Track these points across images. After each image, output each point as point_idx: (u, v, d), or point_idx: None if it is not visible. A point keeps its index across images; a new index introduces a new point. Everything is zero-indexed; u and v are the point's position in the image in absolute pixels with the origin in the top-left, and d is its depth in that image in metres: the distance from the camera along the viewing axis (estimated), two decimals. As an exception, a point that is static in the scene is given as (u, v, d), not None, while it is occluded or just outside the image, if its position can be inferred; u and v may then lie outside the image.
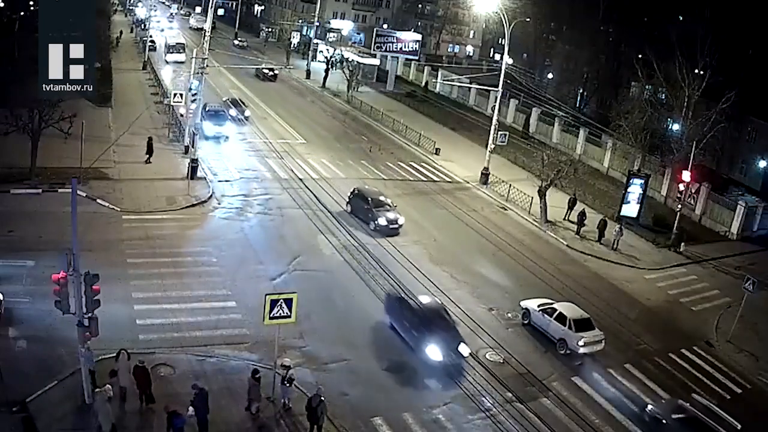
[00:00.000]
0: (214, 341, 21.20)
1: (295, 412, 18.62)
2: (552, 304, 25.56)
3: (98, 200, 30.48)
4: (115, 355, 18.20)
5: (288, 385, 18.49)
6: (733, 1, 51.12)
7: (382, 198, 33.22)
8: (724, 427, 20.00)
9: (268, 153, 41.70)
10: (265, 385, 18.71)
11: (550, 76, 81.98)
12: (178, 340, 20.91)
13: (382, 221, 31.60)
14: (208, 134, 41.69)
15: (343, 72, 66.16)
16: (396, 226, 31.99)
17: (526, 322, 25.77)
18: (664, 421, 20.60)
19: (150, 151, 36.94)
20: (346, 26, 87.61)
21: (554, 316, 24.71)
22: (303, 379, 19.57)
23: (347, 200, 33.81)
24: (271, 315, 18.55)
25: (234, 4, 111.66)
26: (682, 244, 35.71)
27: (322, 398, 17.84)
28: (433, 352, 21.66)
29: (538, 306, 25.68)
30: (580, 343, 23.72)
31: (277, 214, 32.81)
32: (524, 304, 26.21)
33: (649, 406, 21.41)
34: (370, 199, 32.73)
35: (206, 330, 21.63)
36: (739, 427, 20.34)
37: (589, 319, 24.69)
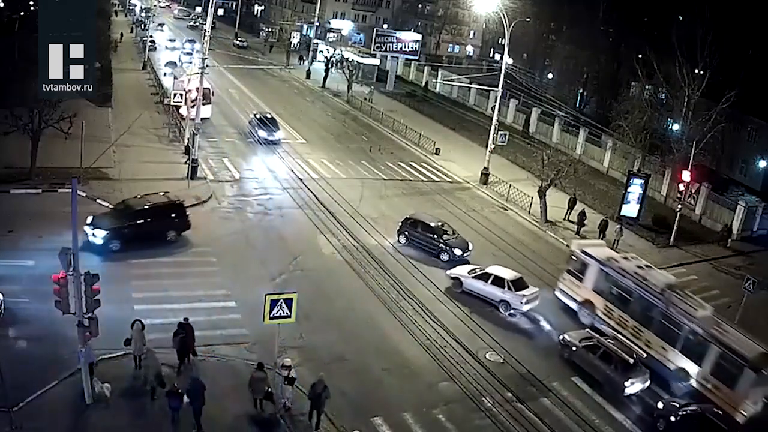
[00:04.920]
0: (214, 341, 21.18)
1: (295, 413, 18.64)
2: (482, 269, 26.95)
3: (98, 200, 30.43)
4: (125, 346, 18.95)
5: (289, 385, 18.48)
6: (733, 1, 51.13)
7: (443, 225, 30.92)
8: (628, 353, 22.26)
9: (268, 153, 41.68)
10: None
11: (550, 76, 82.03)
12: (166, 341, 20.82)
13: (458, 252, 29.60)
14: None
15: (343, 72, 66.14)
16: (468, 253, 30.20)
17: (458, 290, 26.72)
18: (573, 348, 23.28)
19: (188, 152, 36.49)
20: (346, 26, 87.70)
21: (490, 280, 26.18)
22: (303, 379, 19.52)
23: (398, 230, 30.93)
24: (271, 315, 18.58)
25: (234, 4, 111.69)
26: (729, 240, 36.76)
27: (326, 384, 18.03)
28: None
29: (469, 272, 26.84)
30: (523, 301, 25.60)
31: (277, 214, 32.83)
32: (452, 273, 27.36)
33: (562, 335, 24.00)
34: (435, 227, 30.35)
35: (206, 330, 21.56)
36: (644, 355, 22.80)
37: (522, 278, 26.53)
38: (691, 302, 24.25)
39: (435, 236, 30.16)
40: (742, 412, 21.22)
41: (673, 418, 20.63)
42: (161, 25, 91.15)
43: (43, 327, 19.81)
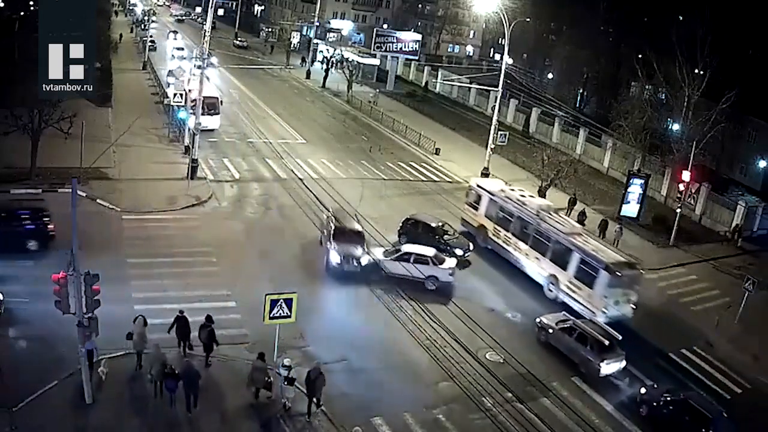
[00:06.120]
0: (214, 341, 21.18)
1: (295, 413, 18.64)
2: (398, 248, 27.70)
3: (98, 200, 30.49)
4: (127, 340, 19.19)
5: (289, 385, 18.48)
6: (733, 1, 51.14)
7: (443, 225, 30.99)
8: (604, 335, 22.95)
9: (268, 153, 41.68)
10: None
11: (550, 76, 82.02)
12: (170, 341, 20.84)
13: (459, 252, 29.61)
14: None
15: (343, 72, 66.10)
16: (470, 253, 30.34)
17: (384, 273, 26.60)
18: (550, 330, 24.29)
19: None
20: (346, 26, 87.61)
21: (413, 258, 26.70)
22: (302, 380, 19.51)
23: (399, 231, 30.84)
24: (271, 315, 18.61)
25: (234, 4, 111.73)
26: (740, 239, 37.18)
27: (321, 372, 18.24)
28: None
29: (386, 256, 27.27)
30: (449, 273, 27.05)
31: (277, 214, 32.83)
32: (375, 257, 27.31)
33: (538, 318, 24.95)
34: (435, 227, 30.35)
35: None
36: (620, 338, 23.14)
37: (437, 252, 27.69)
38: (559, 220, 29.51)
39: (436, 236, 30.15)
40: (602, 309, 25.33)
41: (655, 404, 21.14)
42: (175, 32, 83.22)
43: (43, 327, 19.82)
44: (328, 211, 29.16)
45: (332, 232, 27.71)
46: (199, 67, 36.26)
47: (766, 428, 21.87)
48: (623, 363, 23.09)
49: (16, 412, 16.87)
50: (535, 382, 21.73)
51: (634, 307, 26.26)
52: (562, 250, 27.56)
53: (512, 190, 32.13)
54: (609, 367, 22.72)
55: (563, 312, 25.33)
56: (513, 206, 30.31)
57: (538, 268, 28.54)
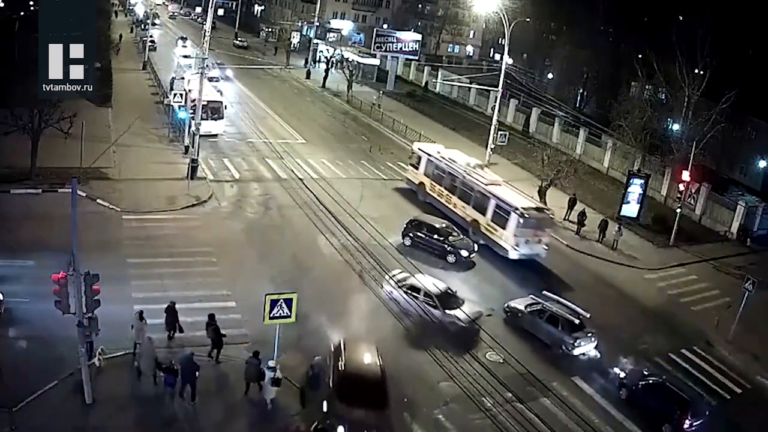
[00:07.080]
0: (214, 341, 21.15)
1: (280, 415, 18.67)
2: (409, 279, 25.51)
3: (98, 200, 30.49)
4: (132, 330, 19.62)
5: (275, 386, 18.47)
6: (733, 1, 51.16)
7: (448, 226, 30.86)
8: (573, 314, 24.01)
9: (268, 153, 41.67)
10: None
11: (550, 76, 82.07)
12: (177, 340, 20.91)
13: (464, 253, 29.63)
14: None
15: (343, 72, 66.07)
16: (474, 254, 30.23)
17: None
18: (520, 315, 25.14)
19: None
20: (346, 26, 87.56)
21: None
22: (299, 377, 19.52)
23: (403, 232, 30.81)
24: (271, 315, 18.54)
25: (234, 4, 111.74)
26: (749, 240, 37.70)
27: (323, 367, 18.75)
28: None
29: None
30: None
31: (277, 214, 32.83)
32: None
33: (507, 303, 25.80)
34: (440, 228, 30.25)
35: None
36: (588, 315, 24.21)
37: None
38: (481, 173, 33.84)
39: (441, 238, 30.08)
40: (514, 247, 29.57)
41: (634, 387, 21.66)
42: (183, 38, 77.73)
43: (43, 327, 19.78)
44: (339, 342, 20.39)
45: (338, 382, 18.34)
46: (207, 77, 36.08)
47: (766, 428, 21.85)
48: (595, 343, 23.92)
49: (16, 412, 16.86)
50: (535, 382, 21.72)
51: (546, 247, 30.46)
52: (482, 198, 31.93)
53: (447, 150, 37.16)
54: (582, 348, 23.75)
55: (530, 295, 25.89)
56: (444, 164, 35.10)
57: (463, 215, 32.77)
